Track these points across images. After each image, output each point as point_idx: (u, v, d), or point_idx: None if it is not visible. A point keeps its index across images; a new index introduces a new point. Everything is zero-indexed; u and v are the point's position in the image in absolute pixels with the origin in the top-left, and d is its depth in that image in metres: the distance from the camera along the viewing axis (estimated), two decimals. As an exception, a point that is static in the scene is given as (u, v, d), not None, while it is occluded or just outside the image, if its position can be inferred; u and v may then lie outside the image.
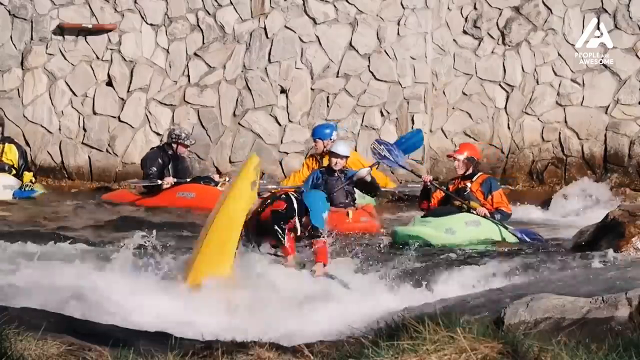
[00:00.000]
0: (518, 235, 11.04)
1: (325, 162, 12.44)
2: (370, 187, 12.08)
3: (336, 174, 12.06)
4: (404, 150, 12.07)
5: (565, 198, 14.00)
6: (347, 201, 11.98)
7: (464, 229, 10.79)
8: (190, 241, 9.61)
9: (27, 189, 13.44)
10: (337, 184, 11.97)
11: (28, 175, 13.60)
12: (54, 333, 4.96)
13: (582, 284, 7.00)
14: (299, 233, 8.20)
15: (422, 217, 11.07)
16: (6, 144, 13.69)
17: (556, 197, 14.13)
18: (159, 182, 13.24)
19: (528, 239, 11.00)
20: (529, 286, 7.12)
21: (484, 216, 10.89)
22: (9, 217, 11.94)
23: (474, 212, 10.90)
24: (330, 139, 12.95)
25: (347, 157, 12.23)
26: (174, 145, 13.44)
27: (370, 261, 9.02)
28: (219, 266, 7.64)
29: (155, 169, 13.31)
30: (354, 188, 12.12)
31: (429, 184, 11.22)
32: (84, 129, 15.20)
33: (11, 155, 13.64)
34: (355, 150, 14.57)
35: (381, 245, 10.22)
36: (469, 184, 11.14)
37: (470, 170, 11.19)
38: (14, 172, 13.58)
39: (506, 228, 10.99)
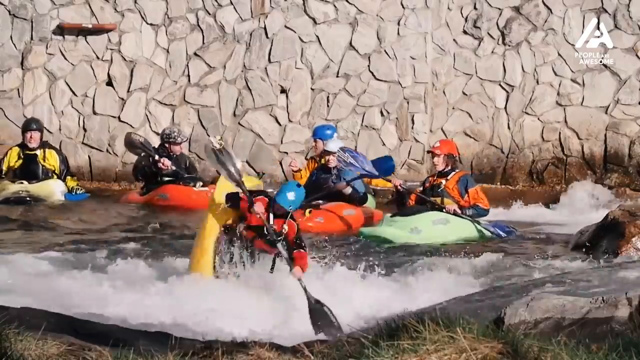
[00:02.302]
0: (491, 230, 11.08)
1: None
2: (353, 199, 12.07)
3: (331, 172, 12.11)
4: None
5: (570, 200, 14.01)
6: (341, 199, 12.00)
7: (430, 227, 10.82)
8: (184, 242, 9.63)
9: (78, 192, 13.36)
10: (328, 182, 12.01)
11: (71, 180, 13.49)
12: (54, 333, 4.96)
13: (582, 284, 7.00)
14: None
15: (391, 216, 11.11)
16: (46, 150, 13.52)
17: (563, 199, 14.12)
18: (157, 157, 13.22)
19: (502, 233, 11.05)
20: (529, 286, 7.12)
21: (453, 213, 10.94)
22: (11, 219, 11.92)
23: (444, 210, 10.95)
24: (331, 140, 12.99)
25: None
26: (167, 146, 13.45)
27: (369, 261, 9.02)
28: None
29: (146, 170, 13.34)
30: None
31: (399, 188, 11.30)
32: (84, 129, 15.20)
33: (52, 160, 13.45)
34: (355, 150, 14.57)
35: (381, 246, 10.22)
36: (443, 181, 11.19)
37: (448, 167, 11.25)
38: (54, 177, 13.42)
39: (478, 223, 11.02)
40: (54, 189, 13.25)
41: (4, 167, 13.42)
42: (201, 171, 14.32)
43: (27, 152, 13.44)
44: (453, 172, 11.24)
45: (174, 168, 13.25)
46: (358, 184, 12.08)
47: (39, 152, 13.47)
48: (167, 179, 13.30)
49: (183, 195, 13.05)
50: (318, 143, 13.13)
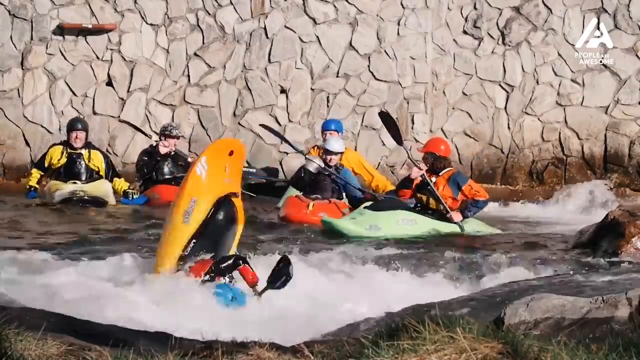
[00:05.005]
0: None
1: None
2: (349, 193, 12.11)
3: (330, 170, 12.13)
4: None
5: (567, 197, 14.00)
6: (333, 197, 12.02)
7: (392, 226, 10.81)
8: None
9: (134, 196, 13.22)
10: (327, 179, 12.03)
11: (120, 182, 13.31)
12: (54, 333, 4.95)
13: (582, 284, 7.00)
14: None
15: (364, 206, 11.13)
16: (91, 150, 13.31)
17: (557, 196, 14.11)
18: (152, 134, 13.54)
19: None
20: (529, 286, 7.12)
21: (456, 223, 10.95)
22: (9, 218, 11.92)
23: (448, 215, 10.94)
24: (342, 133, 13.10)
25: (341, 153, 12.28)
26: (163, 139, 13.51)
27: (369, 261, 9.03)
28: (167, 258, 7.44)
29: (146, 170, 13.38)
30: (344, 187, 12.15)
31: (425, 178, 11.16)
32: (84, 129, 15.19)
33: (97, 161, 13.25)
34: (355, 149, 14.58)
35: (380, 245, 10.23)
36: (434, 179, 11.17)
37: (431, 166, 11.19)
38: (98, 178, 13.23)
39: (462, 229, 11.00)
40: (108, 190, 13.05)
41: (46, 164, 13.23)
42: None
43: (72, 151, 13.23)
44: (444, 171, 11.21)
45: (174, 149, 13.32)
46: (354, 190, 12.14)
47: (84, 152, 13.24)
48: (167, 177, 13.36)
49: (173, 194, 13.05)
50: (326, 136, 13.17)
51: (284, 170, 14.93)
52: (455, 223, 10.99)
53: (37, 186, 13.34)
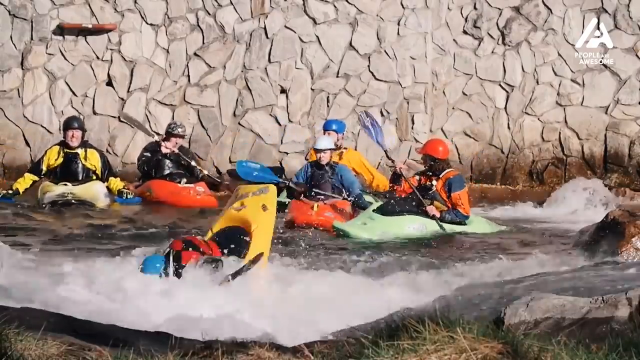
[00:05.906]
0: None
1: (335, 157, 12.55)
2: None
3: (324, 168, 12.15)
4: None
5: (564, 197, 13.99)
6: (331, 195, 12.02)
7: (402, 232, 10.83)
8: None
9: (129, 196, 13.16)
10: (324, 177, 12.05)
11: (115, 181, 13.25)
12: (54, 333, 4.96)
13: (582, 284, 7.00)
14: None
15: (373, 210, 11.12)
16: (88, 150, 13.23)
17: (554, 196, 14.11)
18: (153, 133, 13.72)
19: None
20: (529, 286, 7.13)
21: (432, 217, 10.95)
22: (9, 218, 11.92)
23: (424, 208, 10.96)
24: (342, 134, 13.11)
25: (329, 149, 12.29)
26: (166, 137, 13.54)
27: (369, 261, 9.03)
28: None
29: (146, 167, 13.42)
30: (342, 185, 12.16)
31: (399, 171, 11.30)
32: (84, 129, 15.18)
33: (94, 160, 13.17)
34: (355, 149, 14.58)
35: (381, 246, 10.24)
36: (434, 182, 11.15)
37: (432, 168, 11.17)
38: (94, 177, 13.19)
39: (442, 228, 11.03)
40: (98, 192, 12.97)
41: (44, 167, 13.12)
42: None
43: (68, 150, 13.14)
44: (443, 173, 11.19)
45: (176, 150, 13.34)
46: (359, 195, 12.13)
47: (80, 151, 13.14)
48: (166, 173, 13.42)
49: (165, 190, 13.10)
50: (331, 135, 13.18)
51: (284, 170, 14.92)
52: (432, 217, 11.01)
53: (19, 190, 13.13)
